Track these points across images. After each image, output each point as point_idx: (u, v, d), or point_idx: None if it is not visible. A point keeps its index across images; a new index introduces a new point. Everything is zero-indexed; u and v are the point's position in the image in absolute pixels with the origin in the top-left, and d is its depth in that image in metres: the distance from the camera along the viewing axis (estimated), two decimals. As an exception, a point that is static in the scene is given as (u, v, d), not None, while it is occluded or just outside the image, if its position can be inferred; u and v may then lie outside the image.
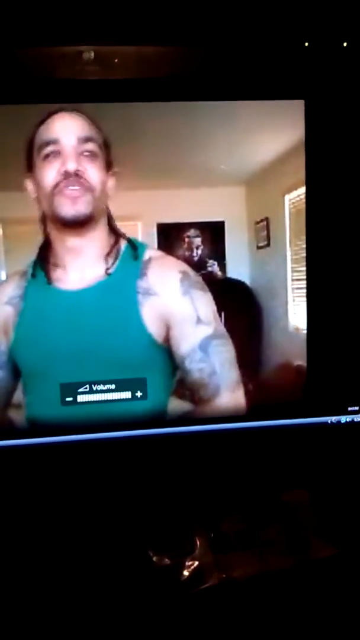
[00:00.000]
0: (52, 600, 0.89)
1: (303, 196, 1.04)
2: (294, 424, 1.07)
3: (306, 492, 1.09)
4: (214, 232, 1.04)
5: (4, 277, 1.02)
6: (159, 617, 0.87)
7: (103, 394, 1.03)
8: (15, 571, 0.94)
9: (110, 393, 1.03)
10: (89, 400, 1.03)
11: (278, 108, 1.02)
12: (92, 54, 0.99)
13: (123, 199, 1.01)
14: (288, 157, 1.03)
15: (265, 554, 0.98)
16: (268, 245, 1.05)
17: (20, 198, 0.99)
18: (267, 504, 1.07)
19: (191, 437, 1.05)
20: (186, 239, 1.04)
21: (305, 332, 1.07)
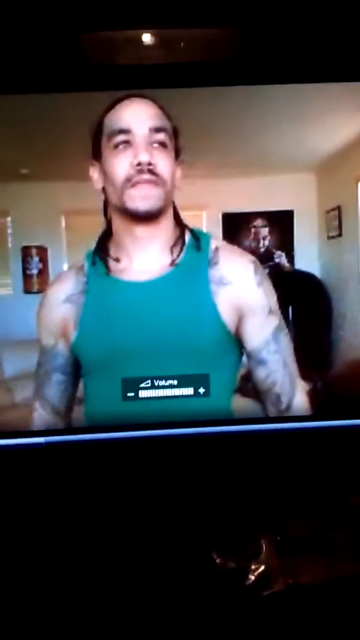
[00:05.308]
0: (113, 598, 0.88)
1: (378, 183, 0.99)
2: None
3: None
4: (282, 222, 1.01)
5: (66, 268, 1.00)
6: (223, 623, 0.85)
7: (165, 390, 1.00)
8: (80, 562, 0.93)
9: (172, 389, 1.00)
10: (151, 396, 1.00)
11: (351, 90, 0.97)
12: (156, 38, 0.97)
13: (187, 188, 0.98)
14: (361, 142, 0.99)
15: (333, 559, 0.94)
16: (340, 235, 1.01)
17: (85, 188, 0.98)
18: (336, 507, 1.03)
19: (257, 436, 1.01)
20: (252, 229, 1.01)
21: (379, 327, 1.02)
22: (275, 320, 1.00)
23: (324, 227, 1.01)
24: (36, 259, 1.00)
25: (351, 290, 1.01)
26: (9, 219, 0.99)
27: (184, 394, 1.01)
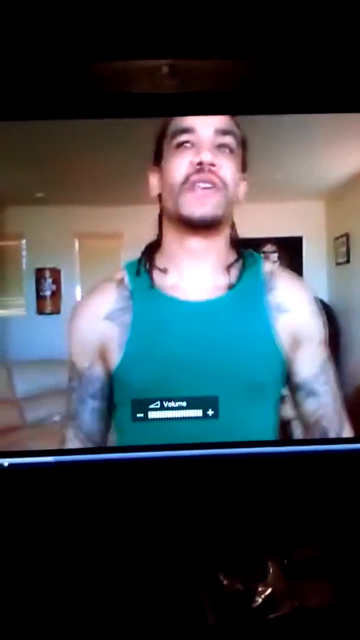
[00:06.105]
0: (119, 617, 0.88)
1: (386, 211, 1.00)
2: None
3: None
4: (291, 248, 1.01)
5: (78, 293, 1.01)
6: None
7: (174, 412, 0.99)
8: (88, 580, 0.94)
9: (182, 410, 0.99)
10: (160, 417, 0.99)
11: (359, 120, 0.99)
12: (169, 68, 0.99)
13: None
14: (370, 170, 1.00)
15: (340, 582, 0.93)
16: (348, 261, 1.01)
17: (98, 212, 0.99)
18: (343, 531, 1.02)
19: (264, 460, 1.01)
20: (262, 254, 1.01)
21: (386, 353, 1.02)
22: (325, 350, 0.97)
23: (332, 254, 1.01)
24: (49, 280, 1.01)
25: (358, 316, 1.02)
26: (23, 241, 1.01)
27: (192, 415, 1.00)
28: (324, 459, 1.02)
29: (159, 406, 0.99)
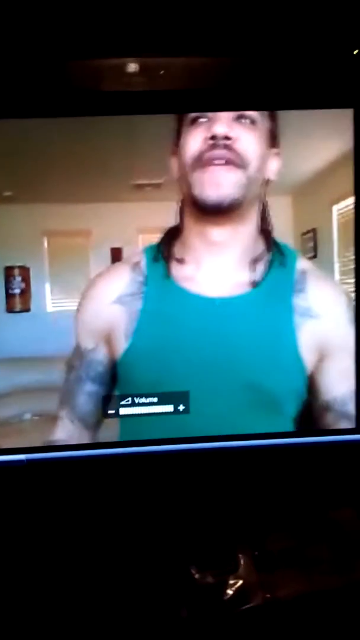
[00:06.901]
0: (92, 613, 0.89)
1: (352, 206, 1.01)
2: (342, 440, 1.04)
3: (353, 510, 1.06)
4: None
5: (48, 290, 1.00)
6: (202, 638, 0.86)
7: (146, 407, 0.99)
8: (57, 575, 0.94)
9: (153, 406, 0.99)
10: (130, 413, 0.99)
11: (326, 117, 1.00)
12: (139, 66, 0.98)
13: (164, 208, 0.96)
14: (336, 166, 1.01)
15: (311, 573, 0.94)
16: (315, 257, 1.01)
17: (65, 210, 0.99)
18: (314, 521, 1.04)
19: (235, 452, 1.02)
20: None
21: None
22: None
23: (299, 249, 1.01)
24: (19, 278, 1.00)
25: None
26: (-8, 239, 1.00)
27: (164, 411, 1.00)
28: (292, 451, 1.03)
29: (130, 402, 0.98)
